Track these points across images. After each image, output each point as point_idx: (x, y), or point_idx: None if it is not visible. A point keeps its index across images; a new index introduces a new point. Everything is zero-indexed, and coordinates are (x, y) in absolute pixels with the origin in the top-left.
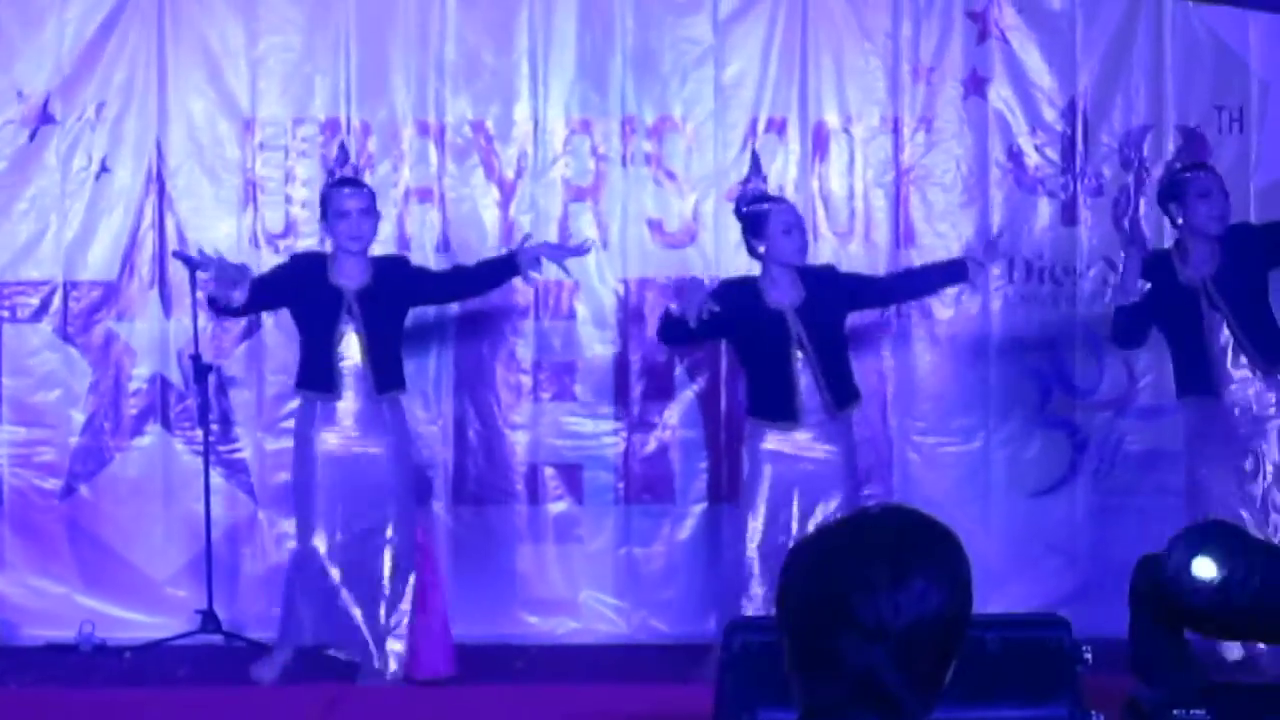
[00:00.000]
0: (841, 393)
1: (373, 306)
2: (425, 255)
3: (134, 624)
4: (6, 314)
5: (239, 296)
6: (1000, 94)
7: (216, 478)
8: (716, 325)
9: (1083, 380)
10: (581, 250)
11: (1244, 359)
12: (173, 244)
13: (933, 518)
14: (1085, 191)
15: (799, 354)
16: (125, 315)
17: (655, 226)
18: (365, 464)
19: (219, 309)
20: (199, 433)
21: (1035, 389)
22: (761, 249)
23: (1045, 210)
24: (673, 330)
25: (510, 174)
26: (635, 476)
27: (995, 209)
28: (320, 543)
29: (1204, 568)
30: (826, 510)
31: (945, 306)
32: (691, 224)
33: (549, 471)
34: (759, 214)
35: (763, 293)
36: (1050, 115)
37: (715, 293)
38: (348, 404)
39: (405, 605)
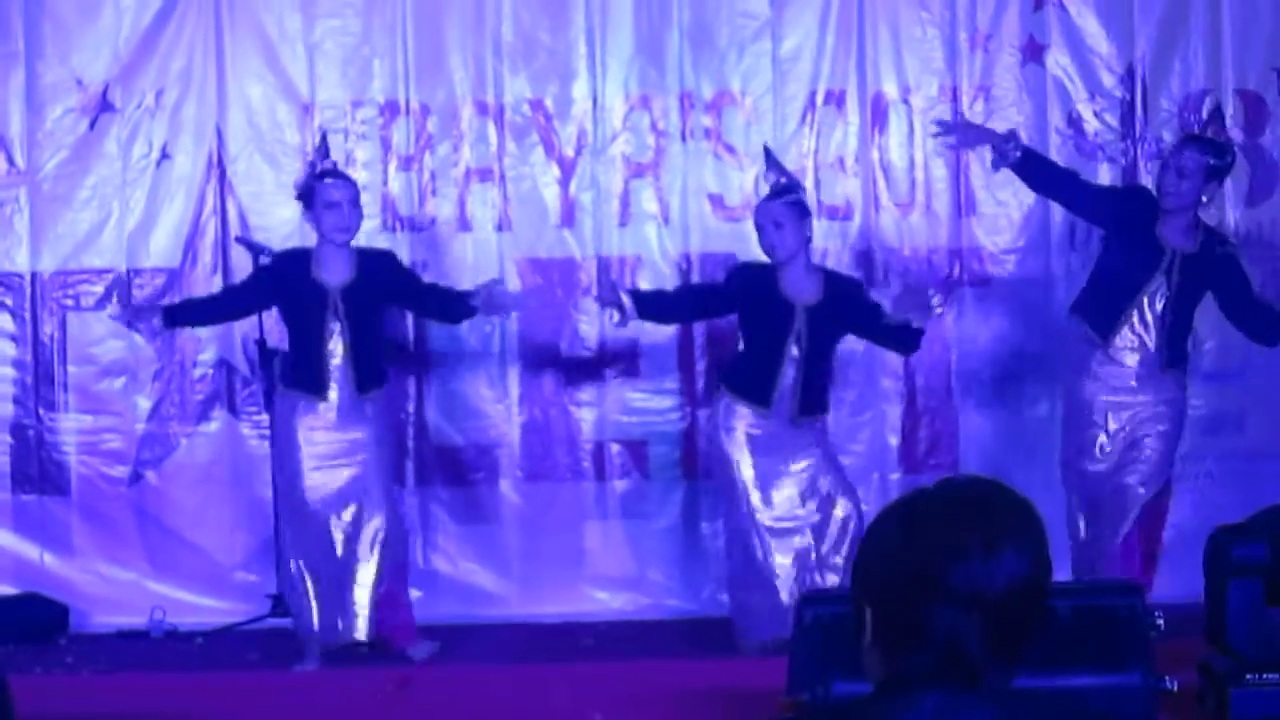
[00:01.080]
0: (812, 400)
1: (355, 303)
2: (488, 235)
3: (204, 609)
4: (71, 302)
5: (156, 325)
6: (1058, 61)
7: None
8: (728, 303)
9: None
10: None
11: (1150, 341)
12: (235, 229)
13: (1010, 487)
14: (1145, 156)
15: (794, 350)
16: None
17: (716, 201)
18: (346, 452)
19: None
20: (265, 417)
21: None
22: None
23: (1106, 176)
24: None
25: (570, 152)
26: (700, 452)
27: None
28: (307, 532)
29: None
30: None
31: (1006, 273)
32: (752, 198)
33: (614, 448)
34: (756, 210)
35: (779, 280)
36: (1109, 81)
37: (730, 273)
38: (331, 400)
39: (367, 577)
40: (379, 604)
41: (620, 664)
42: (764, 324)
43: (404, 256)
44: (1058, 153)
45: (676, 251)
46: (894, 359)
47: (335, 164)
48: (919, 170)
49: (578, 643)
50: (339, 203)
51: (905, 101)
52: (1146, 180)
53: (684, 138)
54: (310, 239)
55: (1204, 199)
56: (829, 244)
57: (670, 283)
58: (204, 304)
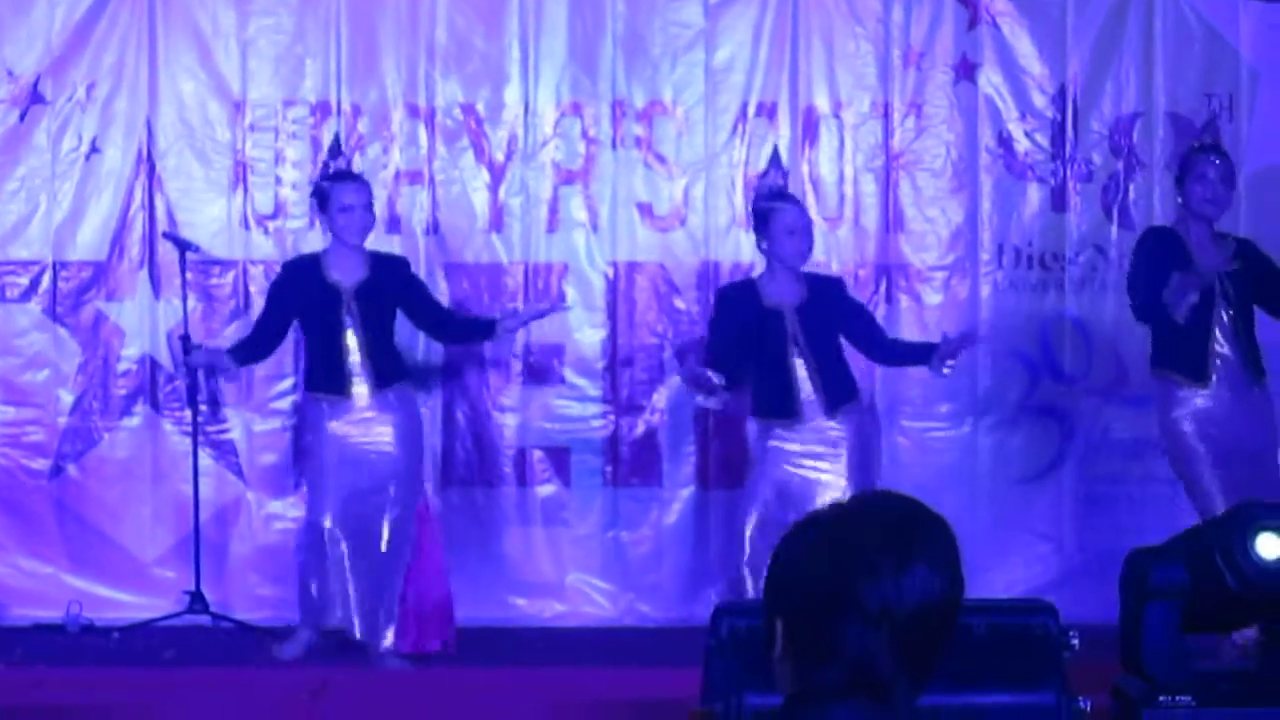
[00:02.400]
0: (836, 392)
1: (368, 303)
2: (415, 238)
3: (122, 604)
4: None
5: (229, 365)
6: (990, 80)
7: (205, 458)
8: (726, 338)
9: (1071, 367)
10: (558, 308)
11: (1233, 364)
12: (163, 225)
13: (926, 505)
14: (1075, 178)
15: (795, 353)
16: (114, 295)
17: (645, 210)
18: (372, 451)
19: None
20: (188, 413)
21: (1023, 375)
22: (764, 245)
23: (1035, 196)
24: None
25: (500, 157)
26: (623, 460)
27: (985, 195)
28: (326, 522)
29: (1269, 546)
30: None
31: (934, 292)
32: (681, 208)
33: (537, 454)
34: (766, 211)
35: (760, 291)
36: (1040, 101)
37: (716, 302)
38: (355, 399)
39: (399, 583)
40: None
41: (537, 671)
42: (760, 339)
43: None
44: (987, 171)
45: (604, 260)
46: None
47: (349, 165)
48: (848, 185)
49: (497, 648)
50: (353, 206)
51: (836, 116)
52: (1075, 200)
53: (615, 146)
54: (228, 241)
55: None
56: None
57: (597, 291)
58: (253, 339)
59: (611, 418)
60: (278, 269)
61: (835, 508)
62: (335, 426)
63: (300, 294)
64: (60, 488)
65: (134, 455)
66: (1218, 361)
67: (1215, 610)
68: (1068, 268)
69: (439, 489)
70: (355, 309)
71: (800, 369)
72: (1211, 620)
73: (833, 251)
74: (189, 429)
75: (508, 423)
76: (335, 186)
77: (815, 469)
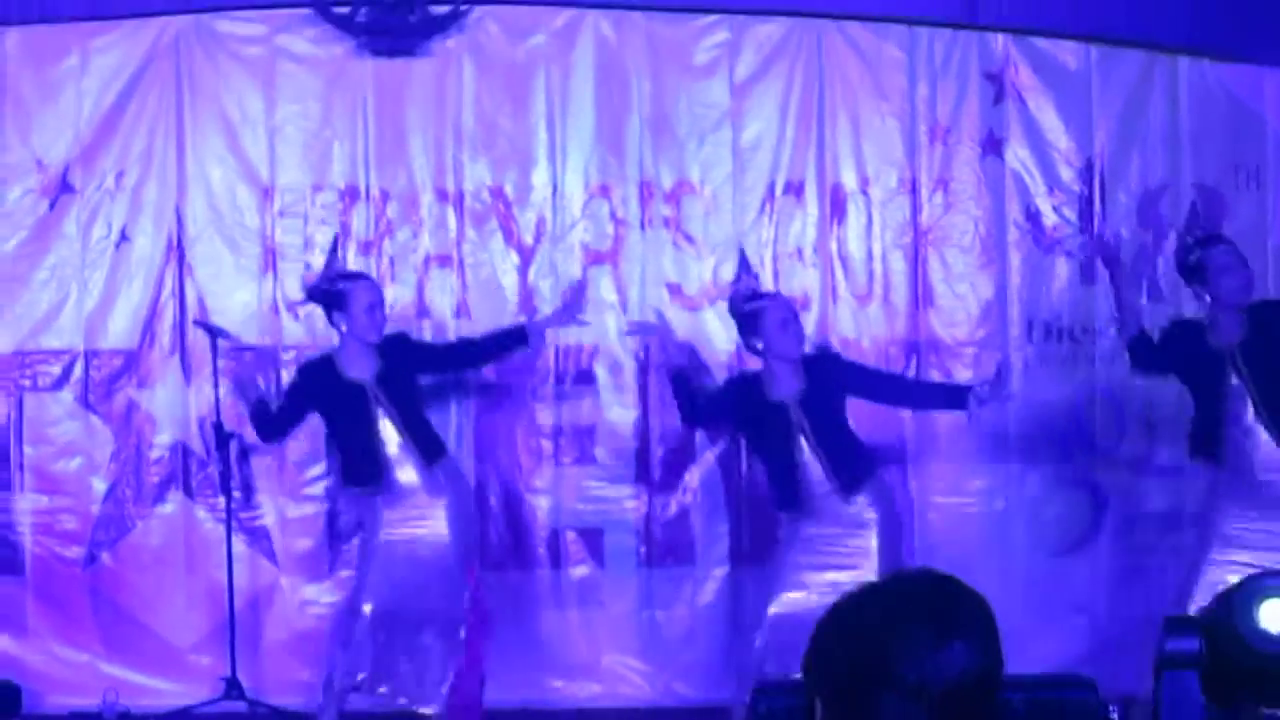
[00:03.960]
0: (850, 476)
1: (394, 388)
2: (445, 321)
3: (158, 692)
4: (28, 383)
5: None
6: (1017, 154)
7: (239, 545)
8: (727, 416)
9: (1103, 439)
10: (578, 309)
11: (1259, 439)
12: (193, 312)
13: (963, 581)
14: (1101, 251)
15: (805, 445)
16: (146, 383)
17: (674, 290)
18: (426, 542)
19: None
20: (221, 500)
21: (1055, 449)
22: (760, 345)
23: (1063, 270)
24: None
25: (529, 239)
26: (656, 540)
27: (1013, 270)
28: (367, 609)
29: (1273, 617)
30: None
31: (964, 367)
32: (710, 287)
33: (570, 536)
34: (754, 311)
35: (765, 386)
36: (1067, 175)
37: (723, 389)
38: (404, 485)
39: (453, 663)
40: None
41: None
42: (768, 434)
43: None
44: (1016, 247)
45: (635, 341)
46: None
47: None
48: (877, 262)
49: None
50: (376, 304)
51: (864, 193)
52: (1103, 274)
53: (643, 226)
54: (259, 327)
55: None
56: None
57: (628, 371)
58: (276, 419)
59: (644, 497)
60: (296, 366)
61: (873, 585)
62: (390, 516)
63: (321, 394)
64: (95, 575)
65: (168, 542)
66: (1250, 442)
67: (1236, 682)
68: (1097, 340)
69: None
70: (384, 398)
71: (811, 460)
72: (1237, 694)
73: (863, 328)
74: (222, 515)
75: (541, 504)
76: (356, 285)
77: (840, 555)
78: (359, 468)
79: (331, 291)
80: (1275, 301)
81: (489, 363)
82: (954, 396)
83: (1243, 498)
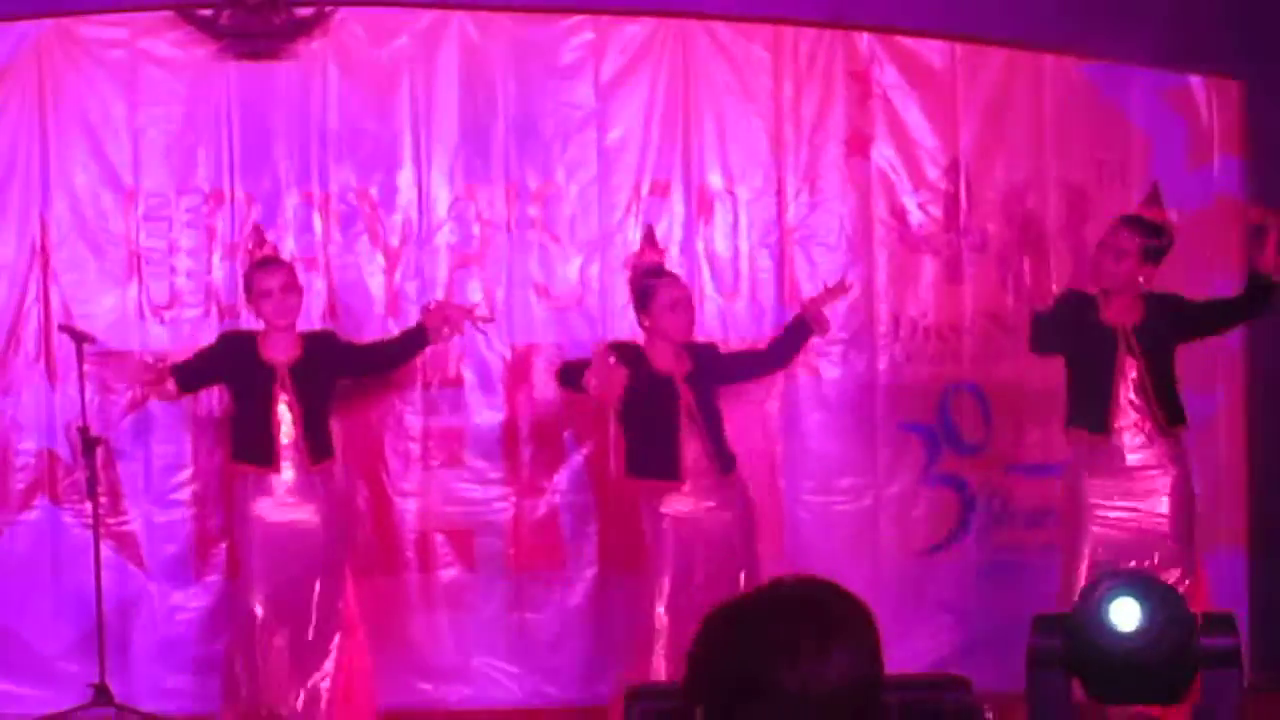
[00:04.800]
0: (725, 456)
1: (304, 380)
2: (312, 322)
3: (26, 699)
4: None
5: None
6: (883, 153)
7: (106, 551)
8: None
9: (970, 437)
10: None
11: (1144, 418)
12: (58, 317)
13: (846, 590)
14: (969, 248)
15: (687, 420)
16: (10, 389)
17: (542, 291)
18: (299, 531)
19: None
20: (88, 505)
21: (923, 446)
22: (646, 323)
23: (930, 268)
24: (570, 381)
25: (395, 241)
26: (526, 542)
27: (880, 268)
28: (258, 609)
29: (1125, 614)
30: (729, 572)
31: (832, 366)
32: (578, 288)
33: (439, 538)
34: (647, 287)
35: (649, 359)
36: (933, 174)
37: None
38: (283, 475)
39: (328, 666)
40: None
41: None
42: (649, 404)
43: None
44: (881, 244)
45: (502, 342)
46: None
47: (273, 251)
48: (744, 261)
49: None
50: (271, 290)
51: (730, 193)
52: (969, 271)
53: (510, 228)
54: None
55: (1141, 279)
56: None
57: (496, 374)
58: (184, 372)
59: (513, 500)
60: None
61: (755, 592)
62: (258, 507)
63: (233, 365)
64: None
65: (34, 549)
66: (1127, 418)
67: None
68: (964, 338)
69: None
70: (290, 384)
71: (690, 436)
72: (1106, 690)
73: (730, 327)
74: (89, 521)
75: (409, 507)
76: (254, 273)
77: (714, 532)
78: (247, 444)
79: (244, 280)
80: (1175, 296)
81: (401, 365)
82: (802, 328)
83: (1109, 476)
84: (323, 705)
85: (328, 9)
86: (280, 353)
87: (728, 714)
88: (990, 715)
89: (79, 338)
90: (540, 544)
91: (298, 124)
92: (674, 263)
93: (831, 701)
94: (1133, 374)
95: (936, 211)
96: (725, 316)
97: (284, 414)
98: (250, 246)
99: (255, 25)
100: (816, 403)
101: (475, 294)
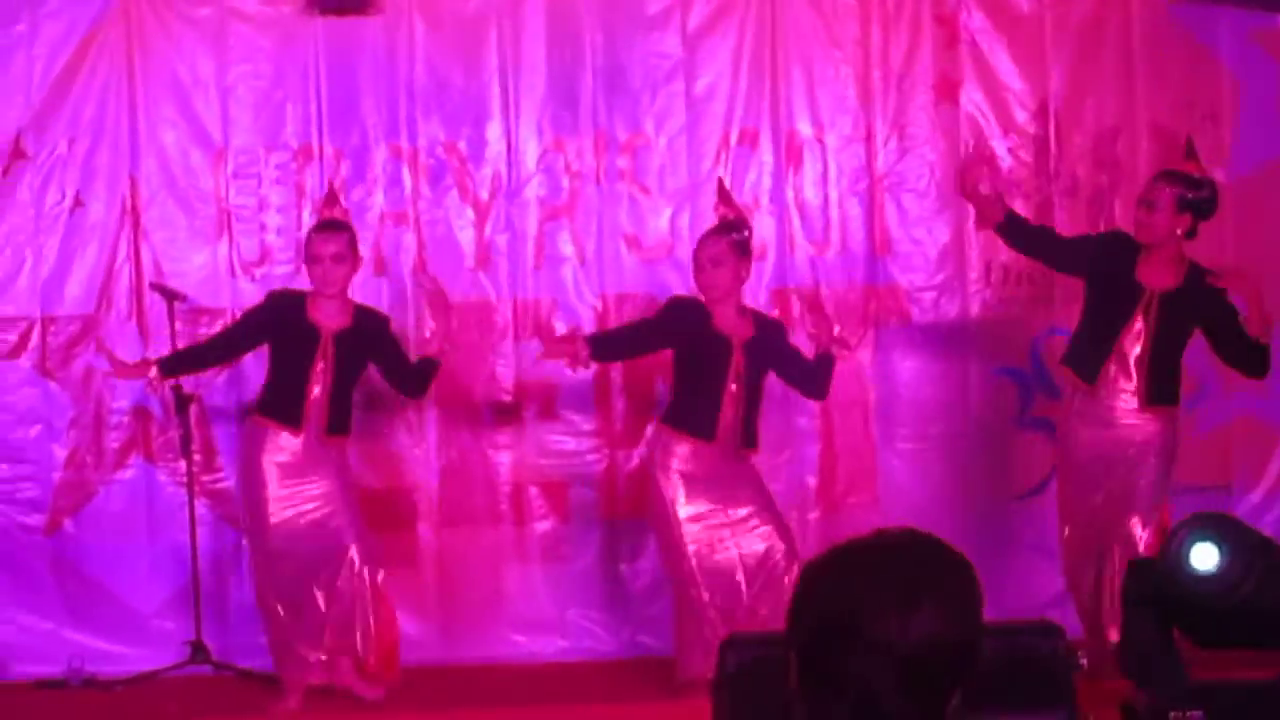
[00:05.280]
0: (750, 434)
1: (345, 350)
2: (403, 279)
3: (122, 657)
4: None
5: (154, 377)
6: (971, 98)
7: (201, 508)
8: (666, 337)
9: (1062, 381)
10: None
11: (1131, 382)
12: (149, 276)
13: (950, 546)
14: (1059, 193)
15: (734, 385)
16: (104, 348)
17: (632, 242)
18: (313, 493)
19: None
20: (182, 464)
21: (1016, 391)
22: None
23: (1021, 213)
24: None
25: (485, 195)
26: (619, 493)
27: (970, 214)
28: (277, 559)
29: (1204, 556)
30: (736, 514)
31: (924, 312)
32: (668, 238)
33: (534, 491)
34: (698, 244)
35: (712, 316)
36: (1022, 117)
37: (666, 307)
38: (300, 438)
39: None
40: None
41: (540, 708)
42: (704, 360)
43: None
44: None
45: (593, 293)
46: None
47: (342, 215)
48: (834, 209)
49: (500, 685)
50: (321, 257)
51: (819, 141)
52: (1060, 215)
53: (599, 179)
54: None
55: (1179, 232)
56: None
57: (588, 325)
58: (198, 351)
59: (605, 451)
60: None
61: (855, 542)
62: (269, 459)
63: (279, 326)
64: (57, 543)
65: (129, 507)
66: (1117, 377)
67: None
68: (1056, 283)
69: (435, 528)
70: (331, 351)
71: (731, 401)
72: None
73: (821, 276)
74: (184, 479)
75: (503, 460)
76: (312, 235)
77: (726, 483)
78: (278, 400)
79: (306, 237)
80: (1218, 291)
81: (424, 389)
82: (825, 361)
83: (1096, 426)
84: (357, 655)
85: None
86: (328, 318)
87: (814, 661)
88: (1085, 661)
89: (170, 295)
90: (633, 495)
91: (385, 79)
92: (763, 211)
93: (916, 658)
94: (1139, 337)
95: (1026, 156)
96: (816, 265)
97: (318, 378)
98: (320, 206)
99: None
100: (909, 349)
101: (565, 246)
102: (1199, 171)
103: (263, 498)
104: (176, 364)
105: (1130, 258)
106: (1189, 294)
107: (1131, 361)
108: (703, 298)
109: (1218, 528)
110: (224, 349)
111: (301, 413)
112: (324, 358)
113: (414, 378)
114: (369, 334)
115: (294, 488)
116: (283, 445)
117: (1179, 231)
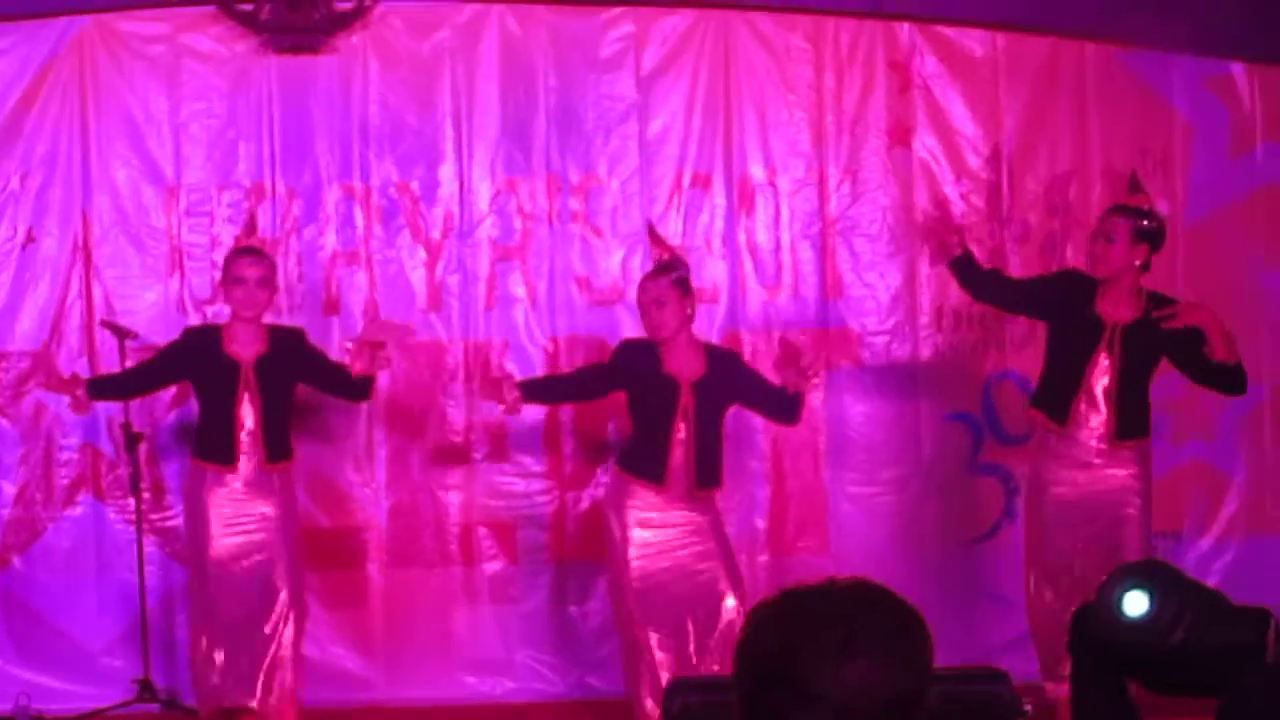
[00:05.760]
0: (706, 473)
1: (267, 376)
2: (354, 318)
3: (70, 694)
4: None
5: (81, 396)
6: (924, 143)
7: (150, 546)
8: (614, 382)
9: (1014, 426)
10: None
11: (1101, 418)
12: (101, 313)
13: (897, 597)
14: (1012, 238)
15: (682, 426)
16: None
17: (584, 284)
18: (255, 525)
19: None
20: (131, 501)
21: (967, 436)
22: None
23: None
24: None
25: (437, 235)
26: (568, 535)
27: (922, 258)
28: (215, 601)
29: (1135, 603)
30: (685, 554)
31: (876, 354)
32: (620, 280)
33: (483, 531)
34: (640, 288)
35: (662, 358)
36: (975, 163)
37: (616, 351)
38: (240, 471)
39: (285, 654)
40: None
41: None
42: (652, 402)
43: None
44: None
45: (544, 335)
46: (761, 441)
47: (259, 244)
48: (785, 252)
49: None
50: (246, 279)
51: (772, 184)
52: (1012, 260)
53: (551, 221)
54: (166, 326)
55: (1136, 263)
56: (696, 326)
57: (539, 366)
58: (122, 377)
59: (555, 492)
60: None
61: (804, 587)
62: (215, 498)
63: (196, 362)
64: (5, 579)
65: (78, 545)
66: (1086, 414)
67: (1141, 668)
68: (1007, 327)
69: (384, 568)
70: (253, 380)
71: (679, 445)
72: (1150, 679)
73: (772, 319)
74: (133, 517)
75: (452, 500)
76: (234, 258)
77: (681, 531)
78: (209, 441)
79: (223, 264)
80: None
81: (357, 398)
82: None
83: (1069, 466)
84: (276, 694)
85: (368, 2)
86: (245, 347)
87: (754, 707)
88: (1030, 708)
89: (121, 333)
90: (583, 536)
91: (339, 118)
92: (715, 254)
93: (851, 706)
94: (1105, 372)
95: (979, 201)
96: (768, 309)
97: (246, 410)
98: (239, 233)
99: (295, 20)
100: (860, 394)
101: (517, 287)
102: (1147, 203)
103: (205, 538)
104: (102, 387)
105: (1088, 293)
106: (1151, 323)
107: (1100, 396)
108: (652, 339)
109: (1149, 575)
110: (143, 379)
111: (234, 449)
112: (247, 388)
113: (351, 384)
114: (288, 353)
115: (237, 525)
116: (225, 483)
117: (1136, 263)
